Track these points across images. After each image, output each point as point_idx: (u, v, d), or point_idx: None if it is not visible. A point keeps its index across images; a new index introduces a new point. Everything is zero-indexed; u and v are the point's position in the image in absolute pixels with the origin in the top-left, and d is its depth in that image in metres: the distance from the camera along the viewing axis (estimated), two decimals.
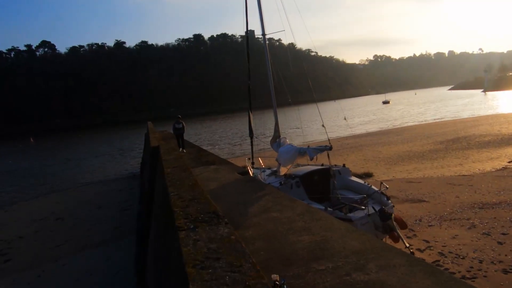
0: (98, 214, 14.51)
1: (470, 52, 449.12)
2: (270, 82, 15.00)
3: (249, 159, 15.62)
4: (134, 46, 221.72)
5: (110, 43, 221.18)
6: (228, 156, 28.52)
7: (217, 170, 11.53)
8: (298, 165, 12.84)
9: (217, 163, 13.20)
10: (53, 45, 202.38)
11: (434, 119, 43.95)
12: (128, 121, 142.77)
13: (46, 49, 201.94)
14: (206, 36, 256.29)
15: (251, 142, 16.95)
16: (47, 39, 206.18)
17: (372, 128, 40.35)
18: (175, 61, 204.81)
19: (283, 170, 11.75)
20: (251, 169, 14.23)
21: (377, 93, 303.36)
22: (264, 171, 13.82)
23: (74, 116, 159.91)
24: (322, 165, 11.78)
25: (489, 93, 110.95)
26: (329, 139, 12.86)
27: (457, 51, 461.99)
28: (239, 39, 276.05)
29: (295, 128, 47.49)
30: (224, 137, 47.06)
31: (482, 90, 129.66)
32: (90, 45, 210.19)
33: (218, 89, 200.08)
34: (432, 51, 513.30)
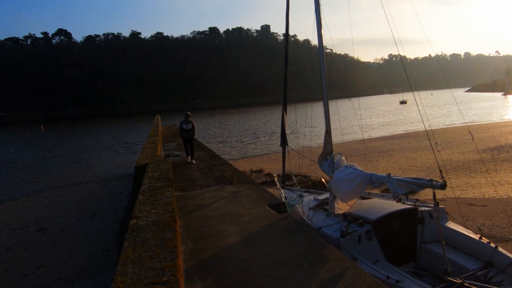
0: (88, 225, 12.02)
1: (487, 54, 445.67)
2: (323, 78, 9.81)
3: (279, 175, 11.09)
4: (150, 37, 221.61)
5: (126, 33, 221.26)
6: (240, 156, 26.29)
7: (236, 196, 8.19)
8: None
9: (235, 181, 9.72)
10: (69, 34, 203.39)
11: (463, 123, 40.51)
12: (141, 112, 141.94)
13: (62, 37, 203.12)
14: (222, 30, 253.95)
15: (283, 154, 12.72)
16: (63, 28, 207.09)
17: (396, 130, 36.96)
18: (189, 54, 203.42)
19: (341, 207, 7.59)
20: (283, 192, 10.91)
21: (391, 92, 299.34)
22: (301, 196, 9.60)
23: (87, 105, 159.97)
24: (401, 201, 7.20)
25: (510, 97, 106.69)
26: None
27: (474, 53, 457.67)
28: (254, 34, 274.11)
29: (310, 127, 44.56)
30: (235, 134, 45.30)
31: (502, 93, 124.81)
32: (106, 35, 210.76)
33: (231, 84, 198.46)
34: (448, 52, 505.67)
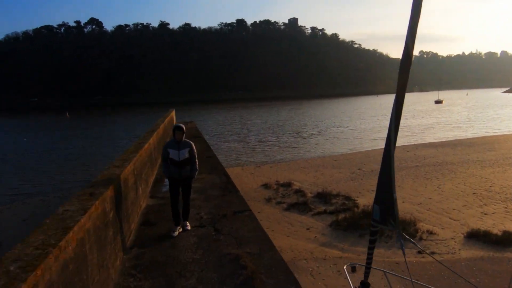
0: None
1: None
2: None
3: (352, 267, 4.47)
4: (178, 28, 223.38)
5: (155, 23, 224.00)
6: (261, 160, 23.53)
7: None
8: None
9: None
10: (101, 23, 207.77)
11: None
12: (166, 102, 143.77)
13: (93, 26, 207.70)
14: (249, 22, 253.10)
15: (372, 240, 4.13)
16: (95, 17, 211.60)
17: (442, 135, 33.26)
18: (216, 45, 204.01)
19: None
20: None
21: (421, 90, 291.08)
22: None
23: (115, 93, 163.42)
24: None
25: None
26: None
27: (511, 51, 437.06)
28: (282, 27, 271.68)
29: (342, 127, 43.48)
30: (254, 131, 41.30)
31: None
32: (136, 25, 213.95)
33: (255, 76, 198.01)
34: (483, 50, 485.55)
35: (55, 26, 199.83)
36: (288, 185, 16.07)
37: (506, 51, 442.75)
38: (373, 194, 10.75)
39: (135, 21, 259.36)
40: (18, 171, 23.64)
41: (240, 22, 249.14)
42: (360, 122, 47.43)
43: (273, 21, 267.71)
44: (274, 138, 33.41)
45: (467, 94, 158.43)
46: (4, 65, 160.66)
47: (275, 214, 11.98)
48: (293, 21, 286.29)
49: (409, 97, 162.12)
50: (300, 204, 12.84)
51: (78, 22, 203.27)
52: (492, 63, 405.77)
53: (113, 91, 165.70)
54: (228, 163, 23.01)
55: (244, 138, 34.25)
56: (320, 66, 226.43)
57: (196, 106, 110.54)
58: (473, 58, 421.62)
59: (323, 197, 13.54)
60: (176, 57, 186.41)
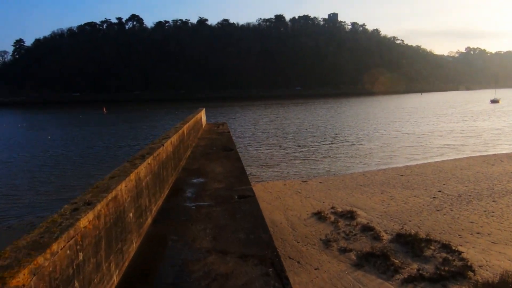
0: None
1: None
2: None
3: None
4: (216, 24, 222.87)
5: (194, 19, 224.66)
6: (307, 171, 19.51)
7: None
8: None
9: None
10: (141, 19, 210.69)
11: None
12: (203, 98, 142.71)
13: (134, 23, 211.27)
14: (288, 17, 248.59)
15: None
16: (136, 13, 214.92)
17: None
18: (254, 41, 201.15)
19: None
20: None
21: (467, 89, 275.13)
22: None
23: (154, 89, 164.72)
24: None
25: None
26: None
27: None
28: (321, 22, 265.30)
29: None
30: (291, 133, 36.16)
31: None
32: (175, 21, 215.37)
33: (294, 73, 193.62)
34: None
35: (98, 22, 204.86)
36: (350, 215, 12.11)
37: None
38: (483, 239, 6.30)
39: (175, 18, 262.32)
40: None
41: (279, 17, 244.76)
42: (413, 125, 41.89)
43: (312, 16, 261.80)
44: (315, 143, 28.64)
45: None
46: (50, 60, 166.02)
47: (342, 277, 8.06)
48: (333, 16, 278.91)
49: (455, 95, 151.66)
50: (377, 256, 8.74)
51: (119, 19, 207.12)
52: None
53: (151, 86, 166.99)
54: (267, 174, 19.31)
55: (281, 142, 29.72)
56: (361, 63, 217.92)
57: (232, 103, 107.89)
58: None
59: (408, 243, 9.45)
60: (214, 53, 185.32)
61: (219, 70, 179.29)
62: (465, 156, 23.20)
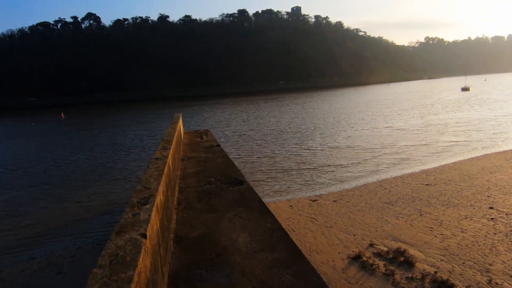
0: None
1: None
2: None
3: None
4: (178, 20, 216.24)
5: (154, 16, 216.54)
6: (309, 184, 16.01)
7: None
8: None
9: None
10: (98, 18, 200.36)
11: None
12: (170, 97, 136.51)
13: (91, 21, 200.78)
14: (251, 12, 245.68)
15: None
16: (93, 11, 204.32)
17: None
18: (219, 37, 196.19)
19: None
20: None
21: (430, 77, 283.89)
22: None
23: (116, 90, 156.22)
24: None
25: None
26: None
27: None
28: (285, 16, 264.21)
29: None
30: (271, 135, 31.60)
31: None
32: (134, 19, 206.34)
33: (261, 68, 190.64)
34: (489, 34, 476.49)
35: (52, 22, 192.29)
36: (402, 258, 8.73)
37: None
38: None
39: (134, 15, 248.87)
40: None
41: (242, 12, 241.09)
42: (399, 119, 39.39)
43: (275, 10, 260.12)
44: (304, 147, 24.94)
45: (485, 80, 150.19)
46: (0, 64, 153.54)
47: None
48: (296, 10, 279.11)
49: (421, 84, 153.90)
50: None
51: (75, 18, 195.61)
52: (500, 47, 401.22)
53: (114, 87, 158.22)
54: (263, 192, 15.65)
55: (264, 148, 25.28)
56: (326, 56, 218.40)
57: (200, 101, 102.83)
58: (480, 42, 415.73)
59: None
60: (178, 50, 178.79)
61: (185, 68, 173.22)
62: (480, 154, 20.57)
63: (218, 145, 12.41)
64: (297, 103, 76.06)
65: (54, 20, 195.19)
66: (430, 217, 11.52)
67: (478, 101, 57.50)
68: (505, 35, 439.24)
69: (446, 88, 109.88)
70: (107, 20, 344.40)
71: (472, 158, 19.65)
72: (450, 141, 24.51)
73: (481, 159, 19.21)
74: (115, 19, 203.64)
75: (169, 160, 5.90)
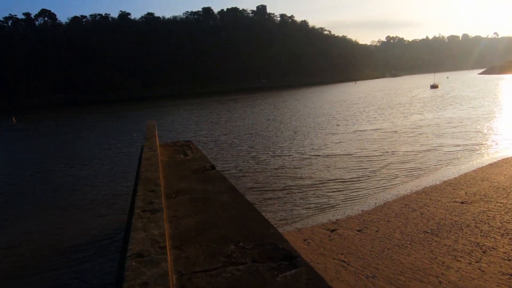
0: None
1: (484, 36, 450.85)
2: None
3: None
4: (140, 18, 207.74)
5: (114, 14, 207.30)
6: (312, 202, 13.54)
7: None
8: None
9: None
10: (54, 15, 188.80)
11: None
12: (135, 98, 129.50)
13: (46, 19, 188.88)
14: (216, 10, 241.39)
15: None
16: (47, 8, 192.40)
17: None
18: (183, 35, 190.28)
19: None
20: None
21: (393, 75, 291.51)
22: None
23: (75, 91, 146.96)
24: None
25: None
26: None
27: (472, 34, 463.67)
28: (251, 14, 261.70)
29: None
30: (247, 139, 28.72)
31: None
32: (93, 16, 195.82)
33: (227, 67, 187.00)
34: (445, 34, 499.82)
35: (1, 19, 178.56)
36: None
37: (467, 34, 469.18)
38: None
39: (92, 12, 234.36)
40: None
41: (207, 10, 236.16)
42: (383, 120, 37.33)
43: (241, 8, 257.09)
44: (295, 157, 21.86)
45: (447, 78, 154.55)
46: None
47: None
48: (262, 9, 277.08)
49: (387, 82, 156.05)
50: None
51: (27, 14, 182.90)
52: (456, 46, 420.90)
53: (72, 88, 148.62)
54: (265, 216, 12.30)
55: (248, 157, 21.97)
56: (293, 54, 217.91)
57: (166, 102, 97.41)
58: (437, 41, 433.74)
59: None
60: (140, 49, 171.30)
61: (148, 67, 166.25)
62: (497, 159, 18.39)
63: (213, 167, 9.00)
64: (269, 103, 73.24)
65: (3, 16, 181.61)
66: (498, 255, 8.74)
67: (453, 98, 57.11)
68: (460, 35, 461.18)
69: (414, 85, 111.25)
70: (63, 17, 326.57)
71: (491, 164, 17.39)
72: (455, 145, 22.30)
73: (502, 165, 16.97)
74: (72, 16, 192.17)
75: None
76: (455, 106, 46.03)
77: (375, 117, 38.54)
